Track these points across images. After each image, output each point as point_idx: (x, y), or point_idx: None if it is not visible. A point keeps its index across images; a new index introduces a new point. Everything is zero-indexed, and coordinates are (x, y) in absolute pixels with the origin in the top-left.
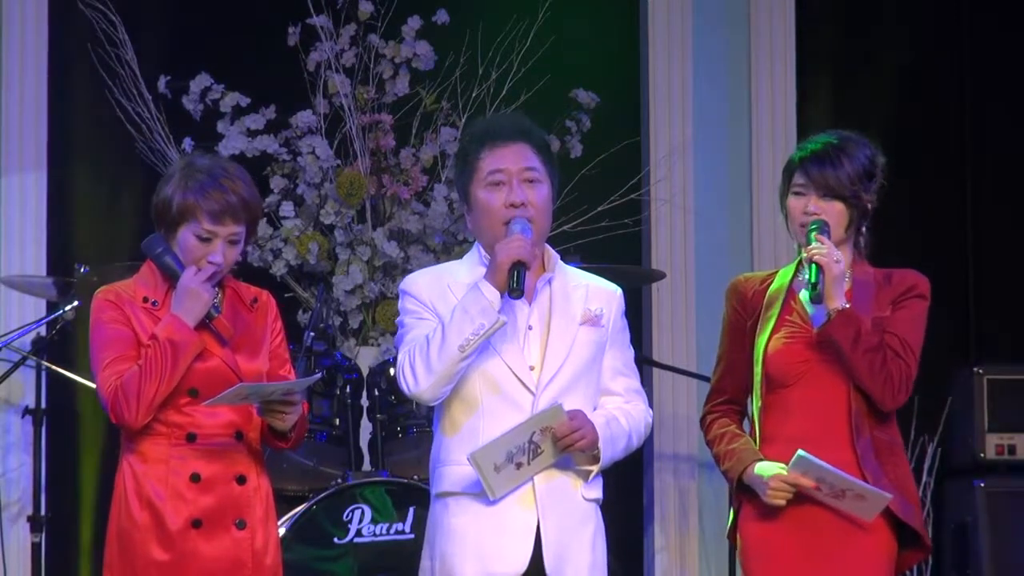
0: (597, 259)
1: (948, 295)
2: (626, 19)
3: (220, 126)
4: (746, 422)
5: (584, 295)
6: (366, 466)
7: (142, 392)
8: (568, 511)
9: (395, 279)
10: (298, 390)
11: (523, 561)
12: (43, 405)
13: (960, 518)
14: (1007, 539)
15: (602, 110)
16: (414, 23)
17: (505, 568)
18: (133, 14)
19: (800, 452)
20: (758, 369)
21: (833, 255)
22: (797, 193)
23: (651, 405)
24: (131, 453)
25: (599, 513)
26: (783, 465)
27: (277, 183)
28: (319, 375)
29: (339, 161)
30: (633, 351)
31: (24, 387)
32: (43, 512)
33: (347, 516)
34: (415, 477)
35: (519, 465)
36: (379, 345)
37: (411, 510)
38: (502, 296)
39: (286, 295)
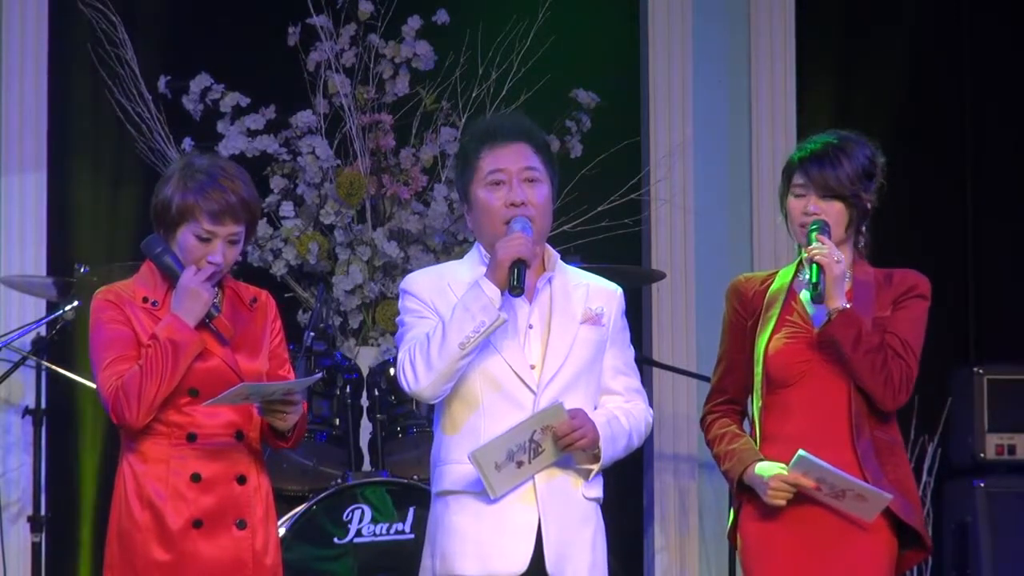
0: (597, 259)
1: (948, 295)
2: (626, 19)
3: (220, 126)
4: (746, 422)
5: (584, 294)
6: (366, 466)
7: (143, 392)
8: (569, 510)
9: (395, 279)
10: (299, 390)
11: (524, 560)
12: (43, 405)
13: (960, 518)
14: (1007, 539)
15: (602, 110)
16: (414, 23)
17: (506, 567)
18: (133, 14)
19: (800, 452)
20: (758, 369)
21: (834, 255)
22: (797, 193)
23: (651, 405)
24: (131, 453)
25: (599, 512)
26: (783, 465)
27: (277, 183)
28: (319, 375)
29: (339, 161)
30: (633, 350)
31: (24, 387)
32: (43, 512)
33: (347, 516)
34: (415, 477)
35: (520, 464)
36: (379, 345)
37: (411, 510)
38: (503, 294)
39: (286, 295)
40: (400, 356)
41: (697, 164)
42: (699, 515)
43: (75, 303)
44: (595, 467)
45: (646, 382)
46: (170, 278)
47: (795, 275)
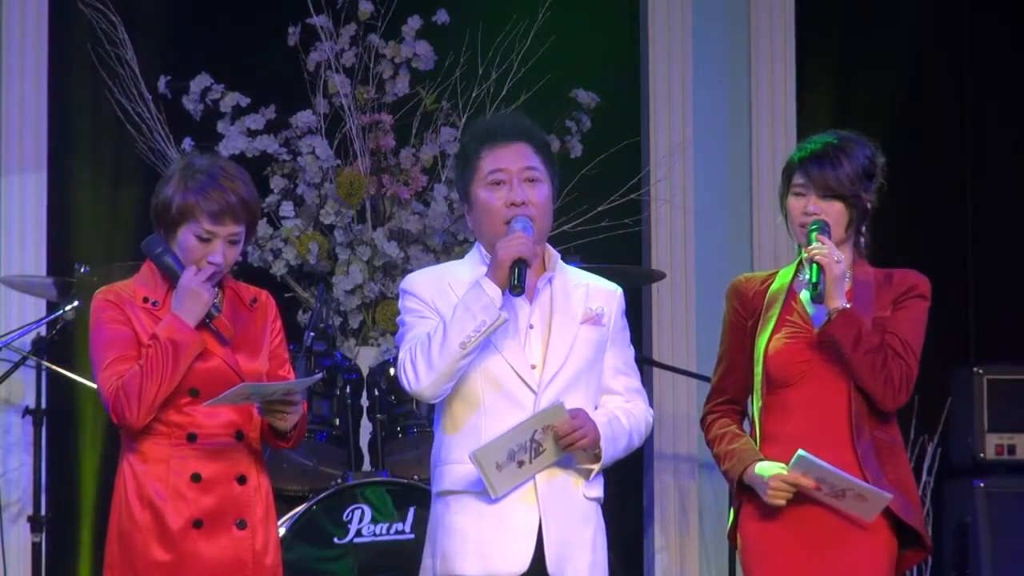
0: (597, 259)
1: (948, 295)
2: (626, 19)
3: (220, 126)
4: (746, 422)
5: (585, 294)
6: (366, 466)
7: (143, 392)
8: (569, 510)
9: (395, 279)
10: (299, 390)
11: (525, 560)
12: (43, 405)
13: (960, 518)
14: (1007, 539)
15: (602, 110)
16: (414, 23)
17: (507, 567)
18: (133, 14)
19: (800, 452)
20: (759, 369)
21: (834, 255)
22: (797, 193)
23: (651, 405)
24: (132, 453)
25: (600, 512)
26: (783, 465)
27: (277, 183)
28: (320, 375)
29: (339, 161)
30: (633, 351)
31: (24, 387)
32: (43, 512)
33: (347, 516)
34: (415, 477)
35: (521, 463)
36: (379, 345)
37: (411, 510)
38: (503, 293)
39: (286, 295)
40: (401, 356)
41: (697, 164)
42: (699, 515)
43: (75, 303)
44: (596, 467)
45: (646, 382)
46: (170, 278)
47: (795, 275)
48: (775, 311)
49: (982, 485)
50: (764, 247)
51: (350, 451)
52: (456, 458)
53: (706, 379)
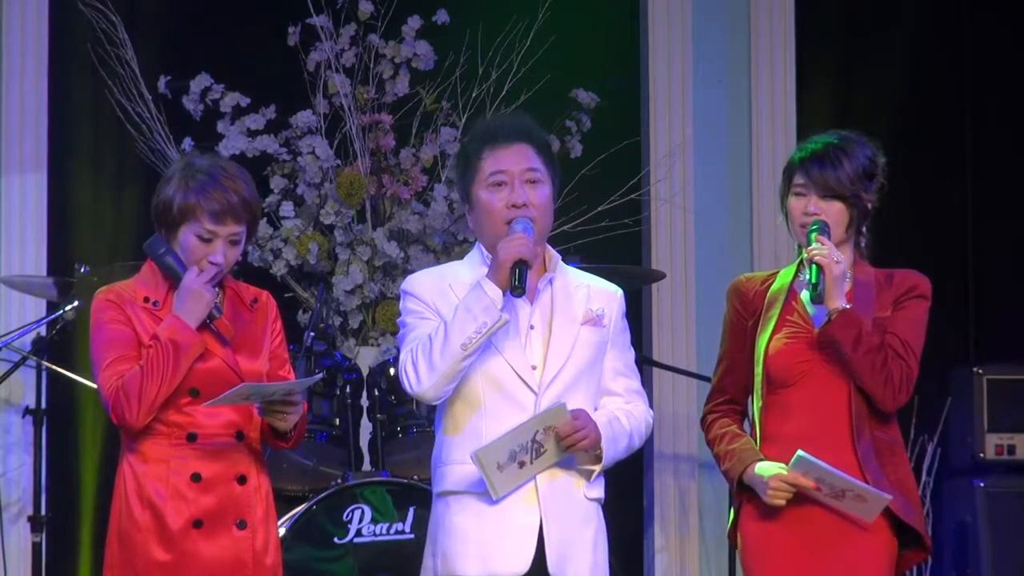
0: (597, 259)
1: (948, 295)
2: (626, 19)
3: (220, 126)
4: (746, 422)
5: (586, 295)
6: (366, 466)
7: (143, 392)
8: (570, 511)
9: (395, 279)
10: (299, 390)
11: (526, 560)
12: (43, 405)
13: (960, 518)
14: (1007, 539)
15: (602, 110)
16: (414, 23)
17: (508, 567)
18: (133, 14)
19: (800, 452)
20: (759, 369)
21: (834, 255)
22: (797, 193)
23: (651, 405)
24: (132, 453)
25: (601, 513)
26: (783, 465)
27: (277, 183)
28: (320, 375)
29: (339, 161)
30: (633, 352)
31: (24, 387)
32: (43, 512)
33: (347, 516)
34: (415, 477)
35: (522, 464)
36: (379, 345)
37: (411, 510)
38: (504, 294)
39: (286, 295)
40: (402, 357)
41: (697, 164)
42: (699, 515)
43: (75, 303)
44: (597, 468)
45: (646, 382)
46: (172, 278)
47: (796, 275)
48: (775, 311)
49: (982, 485)
50: (764, 247)
51: (350, 451)
52: (457, 459)
53: (706, 379)
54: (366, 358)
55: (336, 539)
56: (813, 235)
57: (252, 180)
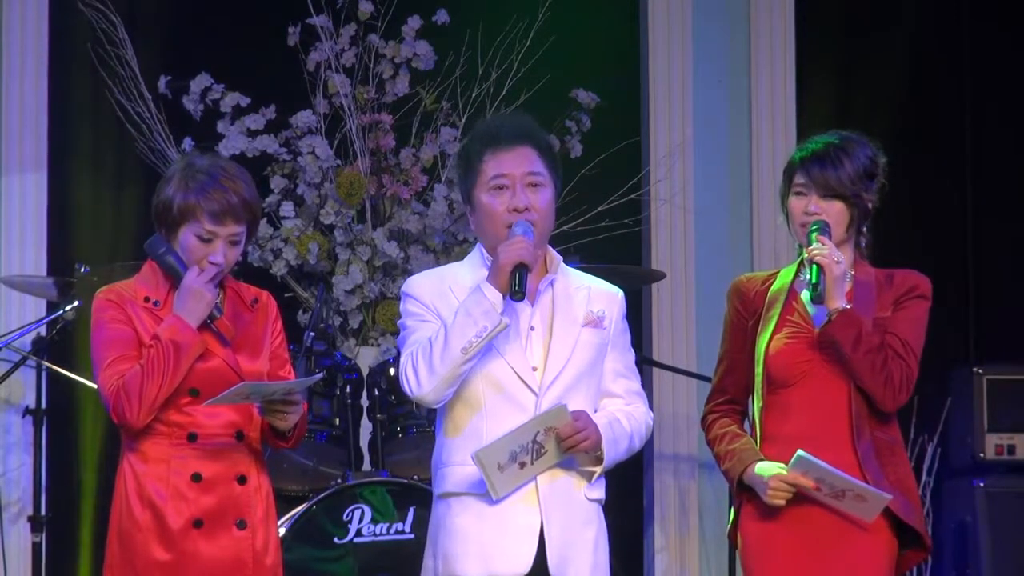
0: (597, 259)
1: (948, 295)
2: (626, 19)
3: (220, 126)
4: (746, 422)
5: (586, 297)
6: (366, 466)
7: (144, 392)
8: (571, 511)
9: (395, 279)
10: (299, 390)
11: (527, 561)
12: (43, 405)
13: (960, 518)
14: (1007, 539)
15: (602, 110)
16: (414, 23)
17: (508, 568)
18: (133, 14)
19: (800, 452)
20: (759, 369)
21: (834, 255)
22: (798, 193)
23: (651, 405)
24: (132, 453)
25: (602, 513)
26: (783, 465)
27: (277, 183)
28: (320, 375)
29: (339, 161)
30: (634, 353)
31: (24, 387)
32: (43, 512)
33: (347, 516)
34: (415, 477)
35: (523, 465)
36: (379, 345)
37: (411, 510)
38: (504, 298)
39: (286, 295)
40: (403, 360)
41: (697, 164)
42: (699, 515)
43: (75, 303)
44: (598, 469)
45: (646, 382)
46: (172, 278)
47: (796, 275)
48: (776, 311)
49: (982, 485)
50: (764, 247)
51: (350, 451)
52: (457, 460)
53: (706, 379)
54: (366, 358)
55: (336, 539)
56: (814, 235)
57: (252, 180)
